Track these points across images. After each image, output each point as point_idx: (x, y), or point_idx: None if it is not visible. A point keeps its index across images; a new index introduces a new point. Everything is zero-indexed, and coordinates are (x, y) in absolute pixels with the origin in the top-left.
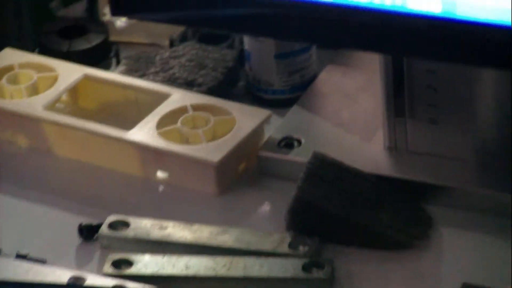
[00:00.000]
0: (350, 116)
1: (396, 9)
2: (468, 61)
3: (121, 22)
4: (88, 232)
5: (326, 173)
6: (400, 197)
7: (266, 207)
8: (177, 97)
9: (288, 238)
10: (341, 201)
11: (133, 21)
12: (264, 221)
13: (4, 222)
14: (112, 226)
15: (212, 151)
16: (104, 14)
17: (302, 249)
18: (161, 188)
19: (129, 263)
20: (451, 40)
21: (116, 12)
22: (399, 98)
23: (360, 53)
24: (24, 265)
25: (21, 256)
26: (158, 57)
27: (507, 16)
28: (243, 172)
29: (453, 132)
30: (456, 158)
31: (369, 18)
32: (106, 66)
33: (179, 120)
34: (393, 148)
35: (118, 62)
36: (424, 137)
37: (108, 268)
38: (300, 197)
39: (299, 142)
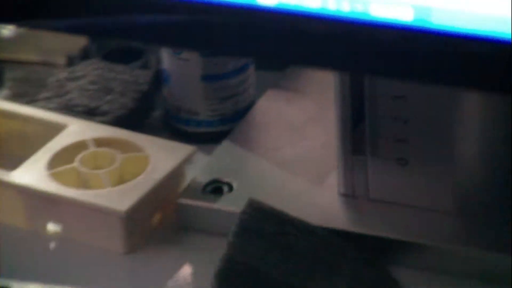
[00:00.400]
0: (295, 154)
1: (356, 16)
2: (448, 82)
3: (7, 31)
4: None
5: (265, 226)
6: (359, 257)
7: (187, 269)
8: (75, 129)
9: None
10: (284, 262)
11: (21, 33)
12: (184, 287)
13: None
14: None
15: (119, 198)
16: None
17: None
18: (53, 244)
19: None
20: (427, 56)
21: (1, 18)
22: (359, 132)
23: (310, 73)
24: None
25: None
26: (52, 79)
27: (505, 27)
28: (158, 224)
29: (427, 176)
30: (430, 209)
31: (323, 27)
32: None
33: (77, 159)
34: (350, 195)
35: (1, 85)
36: (390, 182)
37: None
38: (231, 257)
39: (230, 187)
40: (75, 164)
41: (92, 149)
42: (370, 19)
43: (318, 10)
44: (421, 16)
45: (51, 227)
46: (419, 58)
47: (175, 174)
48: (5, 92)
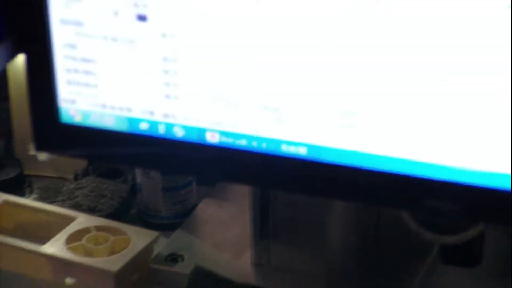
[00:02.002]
0: (223, 238)
1: (270, 151)
2: (329, 195)
3: (42, 156)
4: None
5: (205, 283)
6: None
7: None
8: (82, 220)
9: None
10: None
11: (45, 158)
12: None
13: None
14: None
15: (112, 263)
16: (30, 149)
17: None
18: None
19: None
20: (316, 178)
21: (39, 148)
22: (265, 225)
23: (232, 187)
24: None
25: None
26: (64, 188)
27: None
28: (137, 281)
29: (308, 252)
30: (311, 273)
31: (248, 157)
32: (21, 194)
33: (84, 238)
34: (259, 264)
35: (31, 191)
36: (285, 256)
37: None
38: None
39: (182, 258)
40: (83, 241)
41: (94, 232)
42: (280, 153)
43: (246, 146)
44: (312, 152)
45: (68, 280)
46: (311, 179)
47: (147, 249)
48: (35, 195)
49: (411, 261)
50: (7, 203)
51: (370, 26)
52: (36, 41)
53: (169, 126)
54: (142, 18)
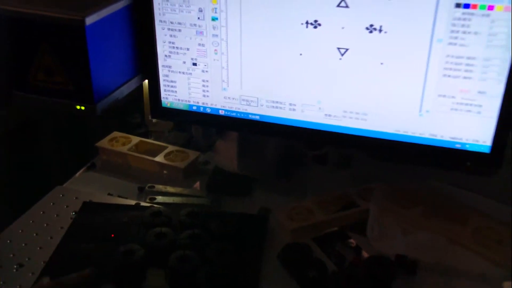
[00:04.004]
0: (226, 154)
1: (244, 117)
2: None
3: (154, 120)
4: (141, 189)
5: (219, 173)
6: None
7: (199, 184)
8: (171, 148)
9: (204, 192)
10: (225, 185)
11: (155, 121)
12: (198, 187)
13: (109, 184)
14: (149, 186)
15: (182, 164)
16: (150, 119)
17: (209, 196)
18: (164, 175)
19: (155, 199)
20: (265, 128)
21: (153, 117)
22: (242, 149)
23: (230, 133)
24: (118, 199)
25: (120, 196)
26: (164, 135)
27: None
28: (191, 172)
29: (258, 161)
30: (260, 170)
31: (236, 121)
32: (147, 137)
33: (171, 154)
34: (240, 166)
35: (151, 136)
36: (249, 162)
37: (147, 200)
38: (211, 180)
39: (210, 163)
40: (171, 156)
41: (175, 152)
42: (247, 117)
43: (236, 115)
44: (262, 118)
45: (165, 171)
46: (262, 128)
47: (196, 159)
48: (152, 138)
49: (300, 164)
50: (141, 141)
51: None
52: (152, 74)
53: (204, 108)
54: (194, 64)
